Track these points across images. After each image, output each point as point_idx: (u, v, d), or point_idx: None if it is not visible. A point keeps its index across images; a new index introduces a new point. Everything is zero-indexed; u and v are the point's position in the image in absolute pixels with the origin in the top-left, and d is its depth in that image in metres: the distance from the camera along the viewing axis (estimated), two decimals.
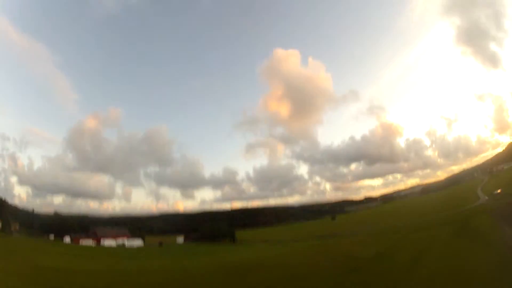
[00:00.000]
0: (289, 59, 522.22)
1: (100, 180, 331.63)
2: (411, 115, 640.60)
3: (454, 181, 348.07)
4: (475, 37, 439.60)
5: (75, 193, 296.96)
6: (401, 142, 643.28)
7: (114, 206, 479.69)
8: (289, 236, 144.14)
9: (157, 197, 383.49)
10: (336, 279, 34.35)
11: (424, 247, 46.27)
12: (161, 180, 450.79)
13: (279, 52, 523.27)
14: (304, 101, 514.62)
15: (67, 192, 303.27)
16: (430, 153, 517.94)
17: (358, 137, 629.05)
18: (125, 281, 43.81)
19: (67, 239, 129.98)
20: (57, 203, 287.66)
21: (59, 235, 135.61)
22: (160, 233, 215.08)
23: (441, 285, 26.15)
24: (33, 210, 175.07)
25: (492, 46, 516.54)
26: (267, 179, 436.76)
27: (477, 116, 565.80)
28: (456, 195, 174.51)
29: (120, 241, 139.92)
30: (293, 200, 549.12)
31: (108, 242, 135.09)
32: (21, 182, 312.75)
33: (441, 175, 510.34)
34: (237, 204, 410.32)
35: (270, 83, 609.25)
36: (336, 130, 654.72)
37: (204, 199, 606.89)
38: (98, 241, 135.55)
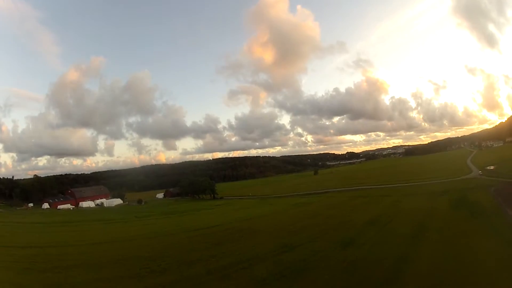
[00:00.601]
0: (277, 5, 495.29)
1: (82, 135, 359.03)
2: (398, 75, 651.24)
3: (438, 147, 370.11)
4: (474, 14, 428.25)
5: (59, 152, 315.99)
6: (386, 99, 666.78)
7: (97, 162, 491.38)
8: (270, 191, 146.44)
9: (140, 149, 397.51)
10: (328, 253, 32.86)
11: (423, 219, 46.29)
12: (143, 131, 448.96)
13: None
14: (289, 48, 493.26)
15: (50, 152, 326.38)
16: (415, 115, 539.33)
17: (342, 89, 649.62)
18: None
19: (45, 205, 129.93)
20: (42, 164, 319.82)
21: (39, 201, 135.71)
22: (141, 189, 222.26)
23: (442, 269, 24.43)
24: (12, 177, 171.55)
25: (491, 27, 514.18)
26: (249, 127, 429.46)
27: (466, 88, 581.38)
28: (445, 162, 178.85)
29: (98, 201, 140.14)
30: (275, 151, 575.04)
31: (87, 204, 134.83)
32: (6, 149, 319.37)
33: (424, 139, 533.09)
34: (219, 155, 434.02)
35: (256, 28, 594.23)
36: (320, 80, 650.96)
37: (186, 150, 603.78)
38: (77, 204, 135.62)
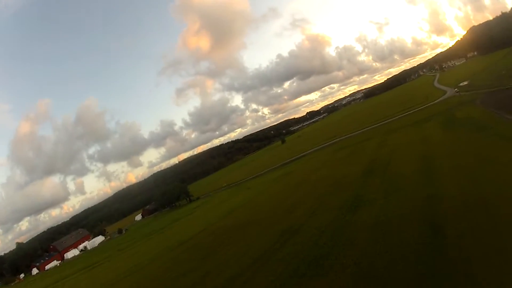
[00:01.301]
0: None
1: (51, 184, 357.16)
2: (338, 24, 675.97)
3: (397, 81, 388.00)
4: None
5: (36, 209, 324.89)
6: (331, 51, 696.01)
7: (74, 205, 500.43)
8: (243, 175, 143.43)
9: (108, 177, 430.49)
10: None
11: (423, 150, 42.93)
12: (106, 158, 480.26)
13: None
14: (222, 29, 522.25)
15: (28, 212, 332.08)
16: (364, 58, 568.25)
17: (285, 54, 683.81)
18: None
19: (34, 271, 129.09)
20: (24, 228, 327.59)
21: (28, 269, 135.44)
22: (120, 217, 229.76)
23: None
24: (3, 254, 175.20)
25: None
26: (204, 119, 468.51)
27: (410, 19, 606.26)
28: (413, 91, 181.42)
29: (81, 246, 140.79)
30: (236, 134, 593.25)
31: (71, 253, 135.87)
32: None
33: (380, 78, 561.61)
34: (185, 155, 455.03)
35: (185, 20, 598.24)
36: (261, 51, 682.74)
37: (152, 162, 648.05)
38: (63, 257, 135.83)
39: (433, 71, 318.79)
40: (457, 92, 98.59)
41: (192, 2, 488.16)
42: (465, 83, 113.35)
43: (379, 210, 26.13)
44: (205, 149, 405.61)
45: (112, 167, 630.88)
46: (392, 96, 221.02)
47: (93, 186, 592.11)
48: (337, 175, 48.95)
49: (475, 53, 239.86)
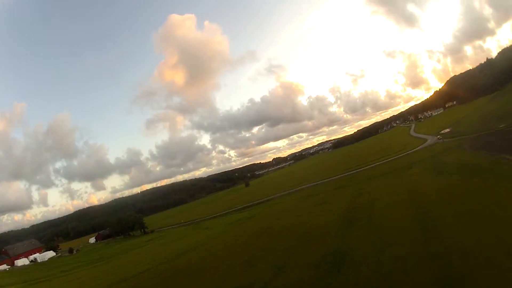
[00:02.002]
0: (184, 24, 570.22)
1: (17, 189, 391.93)
2: (313, 73, 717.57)
3: (368, 132, 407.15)
4: None
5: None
6: (303, 100, 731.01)
7: (36, 214, 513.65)
8: (204, 213, 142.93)
9: (71, 194, 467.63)
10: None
11: (413, 198, 38.79)
12: (71, 175, 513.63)
13: (174, 17, 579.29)
14: (199, 66, 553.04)
15: None
16: (336, 109, 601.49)
17: (257, 98, 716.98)
18: None
19: None
20: None
21: None
22: (76, 235, 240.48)
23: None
24: None
25: (410, 7, 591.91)
26: (171, 154, 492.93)
27: (386, 72, 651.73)
28: (389, 140, 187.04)
29: (32, 257, 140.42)
30: (200, 172, 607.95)
31: (22, 261, 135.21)
32: None
33: (349, 130, 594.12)
34: (147, 187, 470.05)
35: (165, 51, 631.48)
36: (234, 94, 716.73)
37: (115, 188, 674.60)
38: (12, 263, 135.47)
39: (408, 122, 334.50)
40: (440, 139, 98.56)
41: (174, 34, 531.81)
42: (447, 130, 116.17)
43: (373, 270, 19.67)
44: (168, 183, 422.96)
45: (76, 185, 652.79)
46: (365, 145, 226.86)
47: (56, 200, 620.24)
48: (308, 226, 42.37)
49: (454, 102, 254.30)
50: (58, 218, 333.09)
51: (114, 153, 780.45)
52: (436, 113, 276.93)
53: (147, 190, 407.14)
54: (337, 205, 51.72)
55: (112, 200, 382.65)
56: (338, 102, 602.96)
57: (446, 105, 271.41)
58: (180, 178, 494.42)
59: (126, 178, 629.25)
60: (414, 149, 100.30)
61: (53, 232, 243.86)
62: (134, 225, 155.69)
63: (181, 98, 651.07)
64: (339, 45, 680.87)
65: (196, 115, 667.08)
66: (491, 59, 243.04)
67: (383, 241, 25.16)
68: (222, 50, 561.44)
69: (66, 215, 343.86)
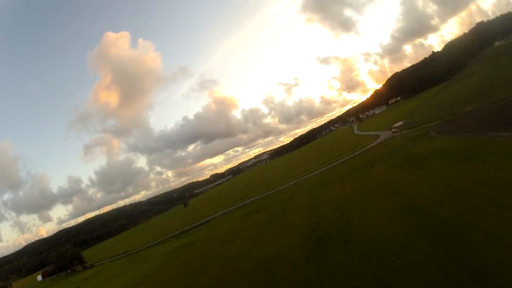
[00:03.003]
0: (118, 42, 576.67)
1: None
2: (246, 86, 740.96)
3: (306, 139, 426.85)
4: (326, 4, 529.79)
5: None
6: (237, 114, 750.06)
7: None
8: (142, 241, 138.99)
9: (21, 227, 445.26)
10: None
11: (398, 199, 32.48)
12: (19, 207, 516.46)
13: (109, 36, 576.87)
14: (133, 85, 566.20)
15: None
16: (270, 120, 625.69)
17: (191, 116, 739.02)
18: None
19: None
20: None
21: None
22: (27, 272, 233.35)
23: None
24: None
25: (348, 12, 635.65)
26: (110, 180, 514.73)
27: (321, 79, 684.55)
28: (331, 143, 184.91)
29: None
30: (140, 196, 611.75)
31: None
32: None
33: (285, 139, 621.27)
34: (91, 215, 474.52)
35: (100, 71, 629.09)
36: (168, 112, 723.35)
37: (60, 218, 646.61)
38: None
39: (348, 124, 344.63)
40: (396, 132, 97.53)
41: (108, 53, 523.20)
42: (400, 123, 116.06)
43: None
44: (110, 209, 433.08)
45: (24, 218, 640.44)
46: (308, 150, 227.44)
47: (9, 235, 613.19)
48: (264, 252, 34.00)
49: (398, 98, 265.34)
50: (11, 254, 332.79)
51: (56, 182, 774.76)
52: (379, 111, 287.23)
53: (90, 218, 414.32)
54: (293, 220, 44.61)
55: (58, 232, 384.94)
56: (272, 112, 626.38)
57: (390, 102, 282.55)
58: (121, 203, 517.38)
59: (70, 207, 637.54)
60: (368, 146, 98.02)
61: (9, 269, 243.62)
62: (73, 260, 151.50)
63: (115, 120, 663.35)
64: (271, 55, 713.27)
65: (131, 137, 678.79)
66: (437, 51, 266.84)
67: (385, 267, 17.61)
68: (155, 67, 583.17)
69: (18, 250, 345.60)
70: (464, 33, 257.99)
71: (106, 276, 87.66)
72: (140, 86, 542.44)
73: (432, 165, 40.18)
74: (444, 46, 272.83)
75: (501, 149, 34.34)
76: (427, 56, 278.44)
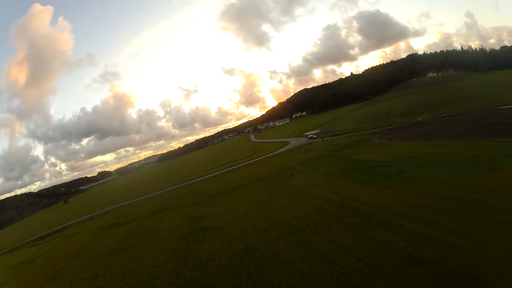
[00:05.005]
0: (41, 16, 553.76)
1: None
2: (147, 85, 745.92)
3: (197, 146, 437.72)
4: (246, 15, 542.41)
5: None
6: (133, 113, 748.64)
7: None
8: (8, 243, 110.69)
9: None
10: None
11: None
12: None
13: (36, 8, 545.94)
14: (40, 65, 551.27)
15: None
16: (164, 124, 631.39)
17: (89, 108, 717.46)
18: None
19: None
20: None
21: None
22: None
23: None
24: None
25: (266, 27, 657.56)
26: (9, 166, 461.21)
27: (222, 89, 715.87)
28: (226, 149, 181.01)
29: None
30: (35, 186, 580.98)
31: None
32: None
33: (176, 145, 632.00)
34: None
35: (17, 45, 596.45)
36: (70, 101, 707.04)
37: None
38: None
39: (243, 134, 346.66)
40: (313, 137, 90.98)
41: (28, 27, 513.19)
42: (317, 131, 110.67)
43: None
44: (5, 197, 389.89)
45: None
46: (199, 155, 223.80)
47: None
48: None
49: (304, 113, 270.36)
50: None
51: None
52: (280, 123, 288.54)
53: None
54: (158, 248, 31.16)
55: None
56: (168, 116, 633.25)
57: (294, 116, 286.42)
58: (18, 192, 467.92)
59: None
60: (275, 152, 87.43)
61: None
62: None
63: (21, 101, 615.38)
64: (178, 58, 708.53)
65: (31, 121, 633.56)
66: (356, 74, 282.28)
67: None
68: (65, 50, 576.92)
69: None
70: (392, 61, 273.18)
71: None
72: (48, 67, 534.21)
73: (428, 175, 27.72)
74: (365, 70, 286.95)
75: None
76: (343, 78, 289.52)
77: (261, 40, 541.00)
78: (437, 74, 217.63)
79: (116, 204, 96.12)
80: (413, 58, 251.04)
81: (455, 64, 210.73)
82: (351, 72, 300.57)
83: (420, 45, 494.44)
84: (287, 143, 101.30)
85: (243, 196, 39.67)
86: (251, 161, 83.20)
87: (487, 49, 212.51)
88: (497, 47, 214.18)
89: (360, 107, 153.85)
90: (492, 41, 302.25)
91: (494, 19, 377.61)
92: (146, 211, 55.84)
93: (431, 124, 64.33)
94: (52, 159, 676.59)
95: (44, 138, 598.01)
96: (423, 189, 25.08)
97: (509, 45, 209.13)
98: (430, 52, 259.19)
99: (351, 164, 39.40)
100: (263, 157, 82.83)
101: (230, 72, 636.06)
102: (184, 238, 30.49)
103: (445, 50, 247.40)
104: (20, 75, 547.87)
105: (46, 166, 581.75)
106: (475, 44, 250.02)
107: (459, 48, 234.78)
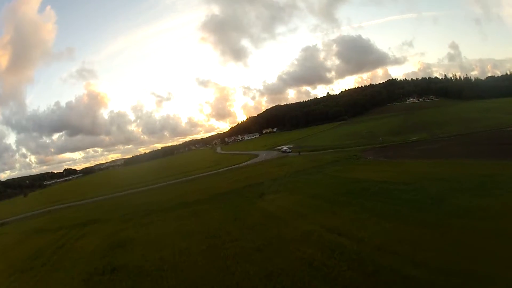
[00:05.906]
0: (31, 2, 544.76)
1: None
2: (122, 88, 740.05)
3: (162, 153, 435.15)
4: (226, 28, 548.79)
5: None
6: (105, 114, 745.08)
7: None
8: None
9: None
10: None
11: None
12: None
13: None
14: (22, 52, 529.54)
15: None
16: (134, 128, 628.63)
17: (63, 103, 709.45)
18: None
19: None
20: None
21: None
22: None
23: None
24: None
25: (245, 42, 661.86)
26: None
27: (194, 100, 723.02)
28: (194, 158, 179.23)
29: None
30: (6, 175, 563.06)
31: None
32: None
33: (143, 151, 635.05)
34: None
35: (5, 28, 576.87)
36: (46, 92, 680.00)
37: None
38: None
39: (210, 146, 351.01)
40: (287, 151, 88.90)
41: (18, 10, 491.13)
42: (291, 145, 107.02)
43: None
44: None
45: None
46: (160, 163, 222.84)
47: None
48: None
49: (275, 129, 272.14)
50: None
51: None
52: (249, 137, 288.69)
53: None
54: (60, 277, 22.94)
55: None
56: (138, 121, 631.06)
57: (264, 131, 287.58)
58: None
59: None
60: (241, 164, 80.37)
61: None
62: None
63: (0, 85, 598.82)
64: (154, 63, 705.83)
65: (7, 108, 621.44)
66: (333, 95, 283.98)
67: None
68: (47, 40, 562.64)
69: None
70: (371, 84, 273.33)
71: None
72: (29, 56, 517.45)
73: (481, 204, 19.71)
74: (342, 91, 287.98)
75: None
76: (318, 97, 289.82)
77: (238, 54, 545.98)
78: (418, 100, 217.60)
79: (60, 204, 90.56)
80: (392, 83, 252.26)
81: (438, 91, 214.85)
82: (327, 93, 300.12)
83: (399, 73, 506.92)
84: (256, 155, 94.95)
85: (188, 219, 28.19)
86: (212, 172, 75.83)
87: (472, 78, 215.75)
88: (482, 78, 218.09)
89: (337, 126, 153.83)
90: (474, 72, 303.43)
91: (480, 51, 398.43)
92: (78, 220, 46.08)
93: (437, 142, 62.23)
94: (23, 150, 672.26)
95: (17, 127, 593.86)
96: (491, 226, 15.39)
97: (495, 76, 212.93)
98: (412, 79, 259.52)
99: (348, 185, 28.68)
100: (226, 168, 75.19)
101: (204, 83, 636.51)
102: (88, 276, 18.91)
103: (427, 78, 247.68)
104: (2, 59, 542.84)
105: (17, 156, 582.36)
106: (456, 76, 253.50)
107: (440, 78, 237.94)
